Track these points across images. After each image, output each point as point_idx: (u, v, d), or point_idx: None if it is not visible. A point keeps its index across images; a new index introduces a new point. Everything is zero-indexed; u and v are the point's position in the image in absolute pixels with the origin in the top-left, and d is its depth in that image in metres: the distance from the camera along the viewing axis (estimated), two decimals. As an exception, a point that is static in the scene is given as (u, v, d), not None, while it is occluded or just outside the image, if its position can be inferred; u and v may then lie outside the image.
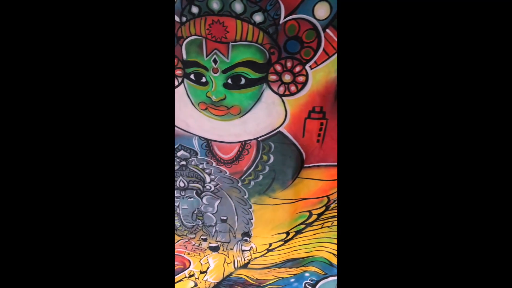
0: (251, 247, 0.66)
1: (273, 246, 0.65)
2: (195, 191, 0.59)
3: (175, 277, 0.76)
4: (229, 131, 0.51)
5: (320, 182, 0.54)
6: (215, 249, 0.68)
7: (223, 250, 0.68)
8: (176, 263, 0.74)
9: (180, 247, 0.69)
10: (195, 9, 0.41)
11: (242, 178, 0.56)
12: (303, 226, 0.60)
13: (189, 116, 0.49)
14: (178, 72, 0.45)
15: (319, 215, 0.58)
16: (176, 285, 0.76)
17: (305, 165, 0.53)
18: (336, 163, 0.51)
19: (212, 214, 0.62)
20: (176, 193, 0.60)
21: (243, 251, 0.67)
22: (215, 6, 0.40)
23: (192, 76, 0.46)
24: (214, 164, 0.55)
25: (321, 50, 0.42)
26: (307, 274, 0.68)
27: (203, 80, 0.46)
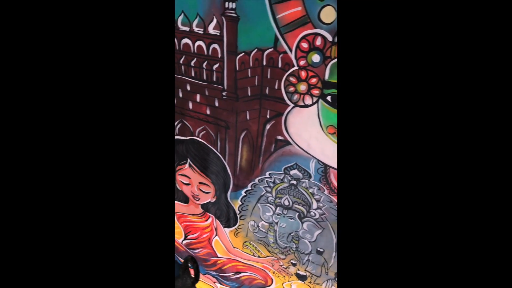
0: (343, 290, 0.59)
1: (370, 299, 0.56)
2: (298, 214, 0.57)
3: (254, 289, 0.76)
4: (352, 162, 0.46)
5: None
6: (302, 278, 0.64)
7: (310, 282, 0.63)
8: (258, 276, 0.73)
9: (266, 263, 0.68)
10: (352, 30, 0.38)
11: (353, 215, 0.50)
12: None
13: (313, 137, 0.47)
14: (315, 91, 0.44)
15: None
16: (252, 297, 0.75)
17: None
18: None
19: (309, 242, 0.58)
20: (278, 210, 0.58)
21: (332, 291, 0.61)
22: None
23: (328, 98, 0.43)
24: (325, 192, 0.51)
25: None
26: None
27: (339, 103, 0.43)
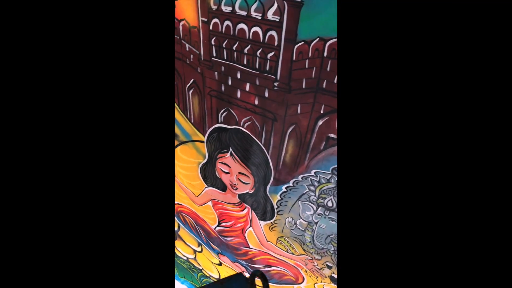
0: (380, 302, 0.56)
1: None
2: (340, 217, 0.54)
3: (283, 285, 0.75)
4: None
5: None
6: (336, 281, 0.62)
7: None
8: (289, 272, 0.72)
9: (300, 261, 0.66)
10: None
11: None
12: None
13: (369, 139, 0.43)
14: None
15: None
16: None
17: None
18: None
19: (350, 247, 0.55)
20: (320, 210, 0.56)
21: (368, 300, 0.58)
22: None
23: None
24: (375, 197, 0.48)
25: None
26: None
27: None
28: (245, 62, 0.49)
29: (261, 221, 0.66)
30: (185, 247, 0.95)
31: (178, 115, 0.64)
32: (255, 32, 0.45)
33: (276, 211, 0.62)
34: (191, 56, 0.54)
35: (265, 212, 0.64)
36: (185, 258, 0.99)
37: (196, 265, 0.98)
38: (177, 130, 0.66)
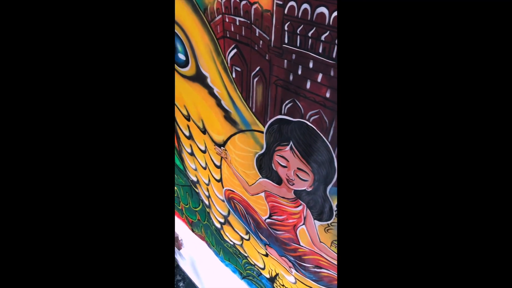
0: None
1: None
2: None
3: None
4: None
5: None
6: None
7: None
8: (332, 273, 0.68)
9: (355, 269, 0.62)
10: None
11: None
12: None
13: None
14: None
15: None
16: (326, 292, 0.70)
17: None
18: None
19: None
20: (387, 220, 0.50)
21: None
22: None
23: None
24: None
25: None
26: None
27: None
28: (320, 51, 0.44)
29: (316, 221, 0.63)
30: (233, 232, 0.96)
31: (240, 103, 0.62)
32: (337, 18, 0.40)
33: (335, 213, 0.58)
34: (260, 42, 0.51)
35: (322, 212, 0.60)
36: (231, 243, 1.01)
37: (241, 251, 0.99)
38: (237, 118, 0.65)
